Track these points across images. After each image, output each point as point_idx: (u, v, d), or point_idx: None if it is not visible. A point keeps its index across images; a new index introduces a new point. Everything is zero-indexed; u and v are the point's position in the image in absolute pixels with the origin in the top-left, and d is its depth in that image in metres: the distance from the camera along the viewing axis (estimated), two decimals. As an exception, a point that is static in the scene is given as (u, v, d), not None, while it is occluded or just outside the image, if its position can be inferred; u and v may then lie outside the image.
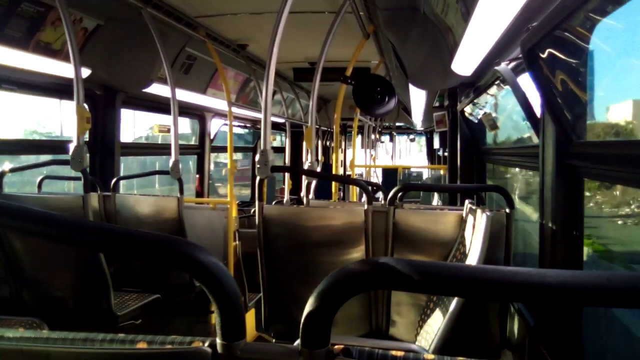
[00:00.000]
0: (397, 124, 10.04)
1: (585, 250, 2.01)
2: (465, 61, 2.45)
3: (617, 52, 1.73)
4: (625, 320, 1.75)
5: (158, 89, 3.72)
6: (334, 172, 4.94)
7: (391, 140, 11.37)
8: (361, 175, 7.22)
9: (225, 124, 5.46)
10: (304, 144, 3.60)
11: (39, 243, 2.51)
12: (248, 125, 6.92)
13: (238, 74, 5.08)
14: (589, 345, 1.77)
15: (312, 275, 2.28)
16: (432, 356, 0.62)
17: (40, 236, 0.64)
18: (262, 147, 2.22)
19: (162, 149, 5.03)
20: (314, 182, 3.21)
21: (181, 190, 3.25)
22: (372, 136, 8.90)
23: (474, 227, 1.92)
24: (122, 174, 3.95)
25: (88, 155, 2.61)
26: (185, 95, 4.22)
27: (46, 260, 2.62)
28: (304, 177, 3.14)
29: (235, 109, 4.20)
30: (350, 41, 3.58)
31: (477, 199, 2.57)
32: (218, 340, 0.62)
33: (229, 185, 3.73)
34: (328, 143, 9.48)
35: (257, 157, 2.23)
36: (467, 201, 2.21)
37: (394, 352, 0.62)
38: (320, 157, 6.98)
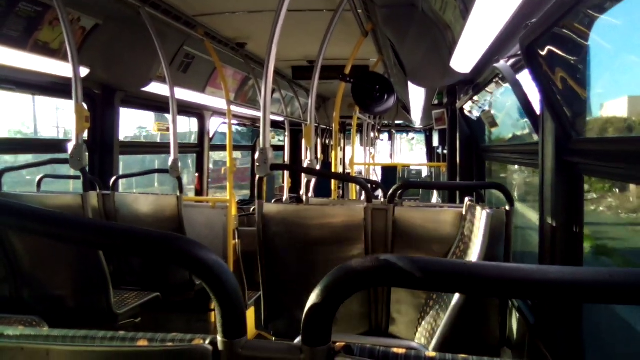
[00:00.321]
0: (396, 122, 10.04)
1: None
2: (464, 58, 2.45)
3: (617, 48, 1.73)
4: (626, 317, 1.76)
5: (157, 88, 3.71)
6: (333, 170, 4.94)
7: (390, 138, 11.37)
8: (360, 173, 7.22)
9: (224, 123, 5.46)
10: (303, 142, 3.60)
11: (39, 241, 2.50)
12: (247, 123, 6.91)
13: (237, 73, 5.08)
14: (589, 342, 1.77)
15: (312, 273, 2.28)
16: (434, 354, 0.62)
17: (40, 234, 0.64)
18: (261, 146, 2.22)
19: (161, 148, 5.02)
20: (313, 180, 3.21)
21: (180, 189, 3.25)
22: (372, 134, 8.90)
23: (473, 224, 1.93)
24: (121, 173, 3.95)
25: (87, 154, 2.61)
26: (184, 94, 4.22)
27: (46, 259, 2.62)
28: (303, 175, 3.14)
29: (234, 108, 4.20)
30: (348, 39, 3.57)
31: (477, 196, 2.57)
32: (219, 338, 0.62)
33: (228, 184, 3.73)
34: (327, 141, 9.47)
35: (257, 156, 2.23)
36: (466, 199, 2.21)
37: (395, 350, 0.62)
38: (319, 155, 6.99)
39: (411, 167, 10.62)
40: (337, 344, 0.61)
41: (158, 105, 4.23)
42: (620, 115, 1.84)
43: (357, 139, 7.58)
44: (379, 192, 4.13)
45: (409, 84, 3.72)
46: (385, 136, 11.37)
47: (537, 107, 2.01)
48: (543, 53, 1.66)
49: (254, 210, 2.55)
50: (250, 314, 3.52)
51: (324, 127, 8.79)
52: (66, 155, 2.59)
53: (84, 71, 3.15)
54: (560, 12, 1.38)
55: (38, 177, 3.27)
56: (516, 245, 3.23)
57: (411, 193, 7.90)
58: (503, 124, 3.66)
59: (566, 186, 1.75)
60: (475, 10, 1.67)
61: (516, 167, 4.05)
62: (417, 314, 2.15)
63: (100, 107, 3.73)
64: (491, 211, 1.80)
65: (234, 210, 3.55)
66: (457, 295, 1.60)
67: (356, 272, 0.55)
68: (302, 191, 3.11)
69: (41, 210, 0.63)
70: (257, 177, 2.27)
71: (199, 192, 5.41)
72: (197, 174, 5.48)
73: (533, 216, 3.24)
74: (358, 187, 4.82)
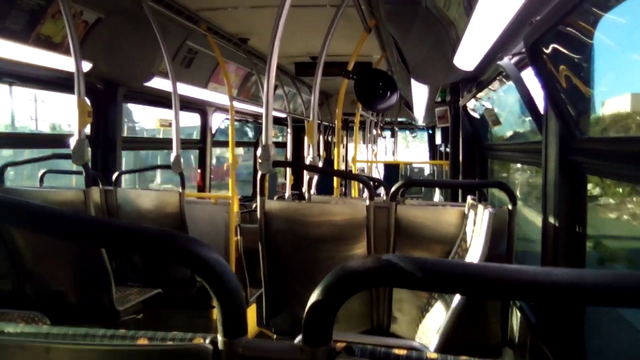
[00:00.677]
0: (399, 119, 10.01)
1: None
2: (468, 56, 2.44)
3: (622, 47, 1.72)
4: (629, 317, 1.75)
5: (159, 83, 3.71)
6: (335, 168, 4.93)
7: (392, 135, 11.35)
8: (363, 170, 7.21)
9: (227, 119, 5.46)
10: (306, 138, 3.59)
11: (41, 237, 2.50)
12: (249, 119, 6.90)
13: (239, 68, 5.07)
14: (591, 342, 1.77)
15: (314, 271, 2.27)
16: (435, 355, 0.62)
17: (41, 231, 0.64)
18: (264, 142, 2.22)
19: (163, 143, 5.02)
20: (315, 178, 3.21)
21: (183, 185, 3.25)
22: (374, 131, 8.88)
23: (475, 223, 1.92)
24: (123, 169, 3.95)
25: (90, 149, 2.61)
26: (186, 90, 4.21)
27: (48, 254, 2.63)
28: (305, 172, 3.13)
29: (236, 104, 4.19)
30: (351, 35, 3.56)
31: (479, 194, 2.56)
32: (219, 337, 0.62)
33: (230, 180, 3.73)
34: (330, 138, 9.46)
35: (259, 152, 2.23)
36: (469, 197, 2.20)
37: (396, 351, 0.62)
38: (322, 152, 6.98)
39: (413, 165, 10.62)
40: (338, 344, 0.61)
41: (160, 100, 4.23)
42: (624, 111, 1.82)
43: (360, 136, 7.57)
44: (381, 190, 4.12)
45: (412, 81, 3.71)
46: (387, 133, 11.36)
47: (540, 106, 1.99)
48: (547, 51, 1.65)
49: (255, 207, 2.54)
50: (252, 310, 3.53)
51: (327, 124, 8.79)
52: (69, 151, 2.59)
53: (86, 65, 3.14)
54: (565, 9, 1.37)
55: (40, 172, 3.27)
56: (517, 245, 3.22)
57: (413, 191, 7.89)
58: (506, 122, 3.65)
59: (569, 186, 1.74)
60: (480, 7, 1.66)
61: (518, 165, 4.04)
62: (418, 313, 2.15)
63: (102, 102, 3.73)
64: (494, 210, 1.79)
65: (236, 207, 3.55)
66: (458, 295, 1.59)
67: (358, 272, 0.55)
68: (304, 188, 3.10)
69: (42, 207, 0.63)
70: (260, 173, 2.26)
71: (201, 188, 5.41)
72: (199, 170, 5.48)
73: (532, 215, 3.23)
74: (360, 184, 4.82)
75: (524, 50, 1.77)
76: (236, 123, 5.71)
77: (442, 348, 1.54)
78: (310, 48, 4.61)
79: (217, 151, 6.99)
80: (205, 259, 0.60)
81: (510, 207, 2.15)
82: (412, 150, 15.52)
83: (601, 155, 1.55)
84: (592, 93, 1.73)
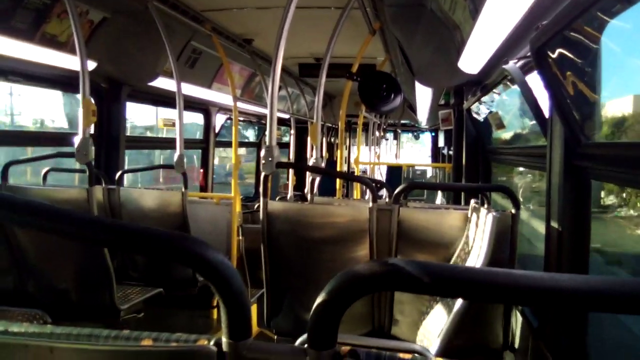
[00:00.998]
0: (402, 121, 10.00)
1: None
2: (473, 59, 2.43)
3: (628, 52, 1.71)
4: (632, 323, 1.74)
5: (163, 83, 3.71)
6: (338, 169, 4.93)
7: (395, 138, 11.34)
8: (365, 172, 7.20)
9: (230, 119, 5.46)
10: (309, 140, 3.59)
11: (43, 235, 2.50)
12: (253, 120, 6.90)
13: (243, 69, 5.07)
14: (593, 347, 1.76)
15: (315, 273, 2.27)
16: (438, 359, 0.62)
17: (43, 230, 0.64)
18: (267, 143, 2.22)
19: (167, 143, 5.03)
20: (318, 179, 3.20)
21: (185, 185, 3.25)
22: (377, 133, 8.88)
23: (477, 226, 1.91)
24: (126, 168, 3.95)
25: (93, 148, 2.62)
26: (190, 90, 4.22)
27: (50, 252, 2.63)
28: (308, 173, 3.13)
29: (240, 104, 4.19)
30: (356, 37, 3.56)
31: (482, 198, 2.55)
32: (224, 339, 0.62)
33: (233, 180, 3.73)
34: (333, 140, 9.46)
35: (262, 153, 2.23)
36: (472, 201, 2.20)
37: (401, 355, 0.61)
38: (324, 153, 6.98)
39: (416, 167, 10.60)
40: (343, 348, 0.61)
41: (164, 100, 4.23)
42: (627, 112, 1.82)
43: (363, 138, 7.57)
44: (383, 192, 4.10)
45: (416, 83, 3.70)
46: (389, 135, 11.35)
47: (545, 110, 1.99)
48: (553, 55, 1.64)
49: (258, 207, 2.54)
50: (253, 311, 3.53)
51: (330, 125, 8.78)
52: (72, 149, 2.60)
53: (91, 65, 3.15)
54: (572, 14, 1.37)
55: (44, 170, 3.28)
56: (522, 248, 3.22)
57: (415, 193, 7.88)
58: (510, 126, 3.64)
59: (574, 191, 1.73)
60: (485, 11, 1.66)
61: (520, 169, 4.03)
62: (420, 315, 2.15)
63: (107, 101, 3.73)
64: (497, 214, 1.79)
65: (238, 207, 3.55)
66: (460, 298, 1.59)
67: (364, 276, 0.55)
68: (307, 189, 3.10)
69: (45, 205, 0.62)
70: (263, 174, 2.26)
71: (204, 188, 5.41)
72: (201, 170, 5.48)
73: (534, 222, 3.22)
74: (362, 186, 4.81)
75: (529, 54, 1.76)
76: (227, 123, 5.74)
77: (444, 351, 1.54)
78: (315, 49, 4.61)
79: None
80: (212, 262, 0.60)
81: (513, 211, 2.14)
82: (406, 151, 15.45)
83: (606, 161, 1.55)
84: (598, 98, 1.73)
